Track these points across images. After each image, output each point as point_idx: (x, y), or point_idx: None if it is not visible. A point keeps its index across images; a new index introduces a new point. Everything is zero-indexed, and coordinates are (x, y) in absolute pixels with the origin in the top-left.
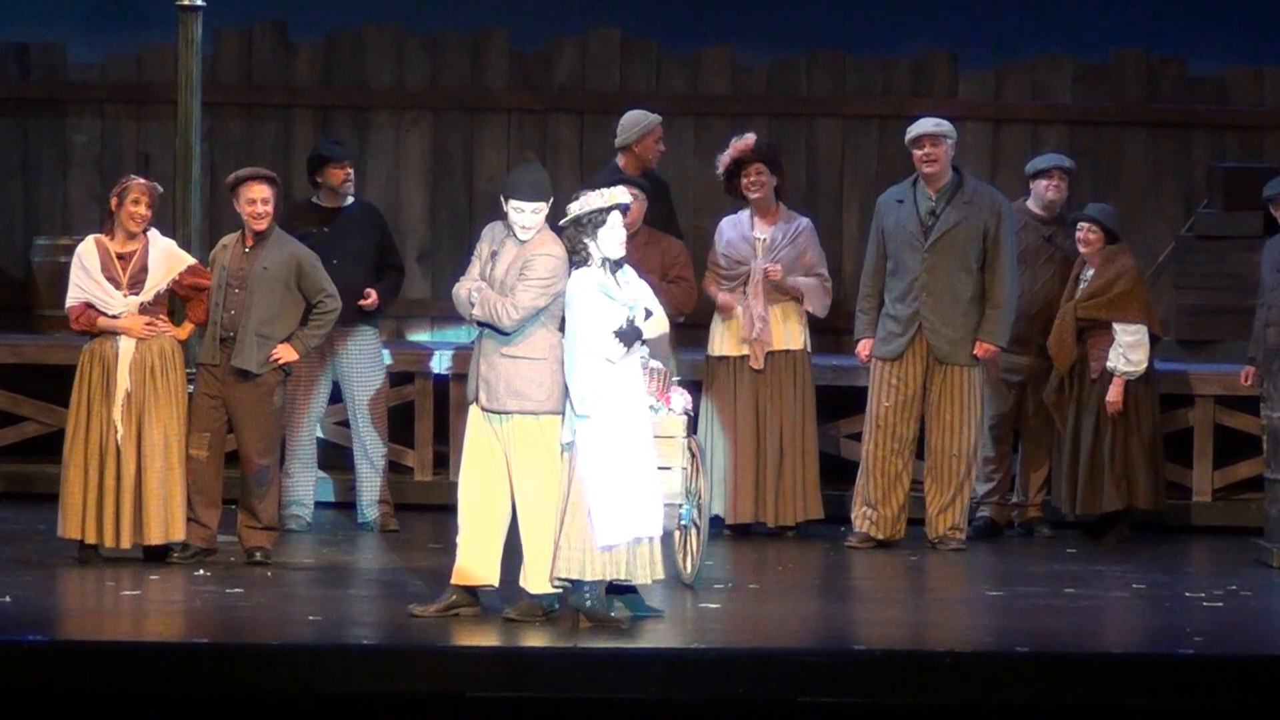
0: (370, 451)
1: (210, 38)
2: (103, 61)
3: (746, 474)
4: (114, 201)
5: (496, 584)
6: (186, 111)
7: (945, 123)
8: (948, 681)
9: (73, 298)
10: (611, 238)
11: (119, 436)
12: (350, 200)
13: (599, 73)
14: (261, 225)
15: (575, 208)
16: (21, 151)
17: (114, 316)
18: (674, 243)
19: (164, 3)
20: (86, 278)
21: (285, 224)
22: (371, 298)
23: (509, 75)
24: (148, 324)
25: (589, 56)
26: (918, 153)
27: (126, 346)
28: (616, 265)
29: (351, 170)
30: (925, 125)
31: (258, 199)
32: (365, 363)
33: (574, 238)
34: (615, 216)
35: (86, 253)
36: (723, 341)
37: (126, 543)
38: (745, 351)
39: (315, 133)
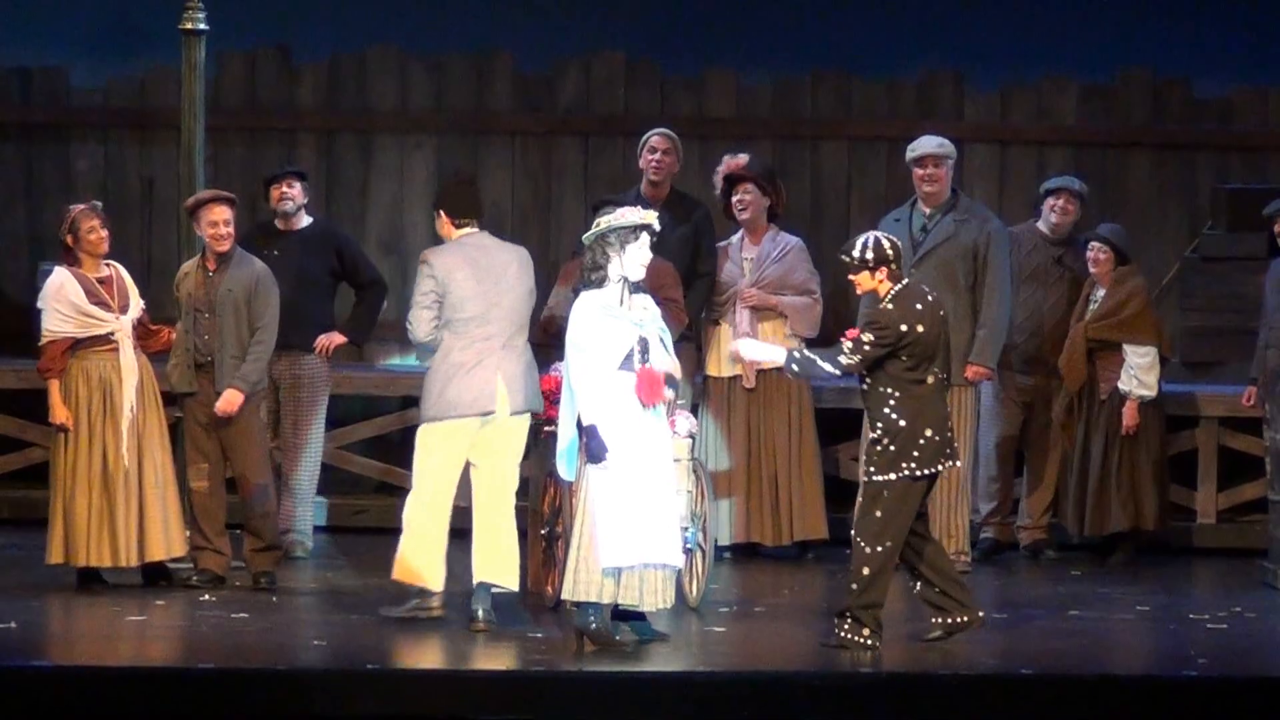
0: (291, 481)
1: (213, 61)
2: (105, 86)
3: (740, 494)
4: (69, 238)
5: (440, 588)
6: (190, 135)
7: (948, 142)
8: (952, 704)
9: (57, 332)
10: (638, 257)
11: (126, 457)
12: (307, 221)
13: (603, 95)
14: (224, 246)
15: (607, 221)
16: (25, 177)
17: (108, 335)
18: (663, 263)
19: (167, 26)
20: (74, 309)
21: (244, 244)
22: (333, 342)
23: (513, 98)
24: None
25: (593, 79)
26: (920, 171)
27: (129, 368)
28: (634, 288)
29: (289, 189)
30: (929, 145)
31: (219, 220)
32: (303, 390)
33: (598, 252)
34: (645, 237)
35: (68, 286)
36: (717, 362)
37: (135, 561)
38: (738, 371)
39: (318, 156)
